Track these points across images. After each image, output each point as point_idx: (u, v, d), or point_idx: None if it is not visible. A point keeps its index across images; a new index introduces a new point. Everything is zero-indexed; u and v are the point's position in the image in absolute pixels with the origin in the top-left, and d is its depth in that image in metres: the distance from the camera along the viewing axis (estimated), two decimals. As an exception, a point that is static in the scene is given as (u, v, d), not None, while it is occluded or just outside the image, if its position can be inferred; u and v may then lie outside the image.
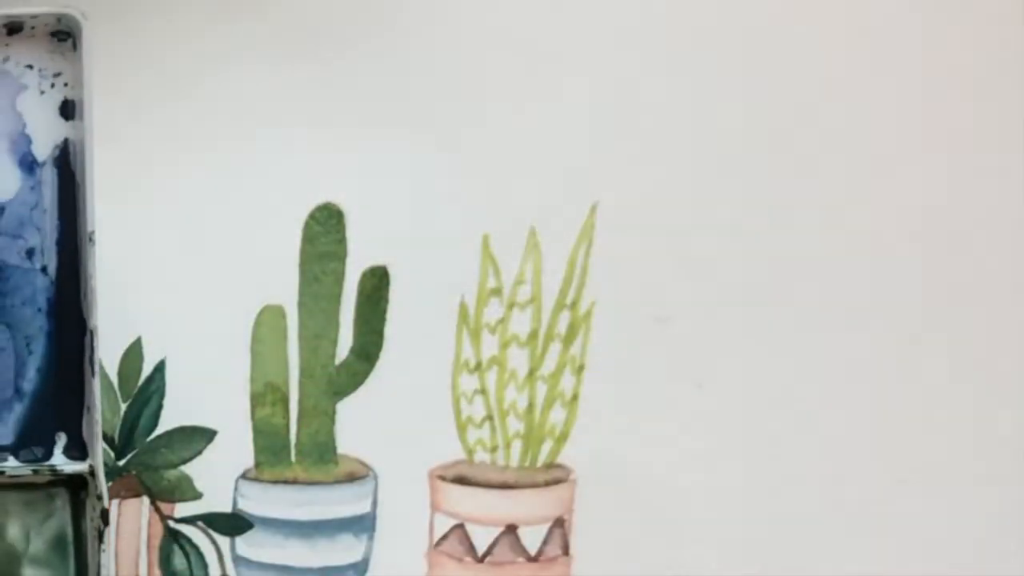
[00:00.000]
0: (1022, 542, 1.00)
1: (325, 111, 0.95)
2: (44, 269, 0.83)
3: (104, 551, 0.83)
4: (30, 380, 0.84)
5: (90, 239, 0.80)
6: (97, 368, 0.82)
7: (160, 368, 0.97)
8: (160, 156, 0.95)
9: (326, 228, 0.96)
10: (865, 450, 1.00)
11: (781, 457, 1.00)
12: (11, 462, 0.84)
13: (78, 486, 0.85)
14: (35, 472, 0.84)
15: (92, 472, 0.83)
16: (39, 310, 0.83)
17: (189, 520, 0.99)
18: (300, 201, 0.96)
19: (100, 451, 0.83)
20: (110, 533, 0.86)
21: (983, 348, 0.99)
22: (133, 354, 0.96)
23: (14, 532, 0.85)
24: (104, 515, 0.83)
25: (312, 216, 0.96)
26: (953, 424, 1.00)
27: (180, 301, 0.96)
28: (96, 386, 0.82)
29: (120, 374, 0.96)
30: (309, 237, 0.96)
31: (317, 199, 0.96)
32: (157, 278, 0.96)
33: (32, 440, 0.84)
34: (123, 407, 0.97)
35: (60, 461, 0.84)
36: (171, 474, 0.98)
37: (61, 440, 0.84)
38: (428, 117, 0.96)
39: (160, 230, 0.96)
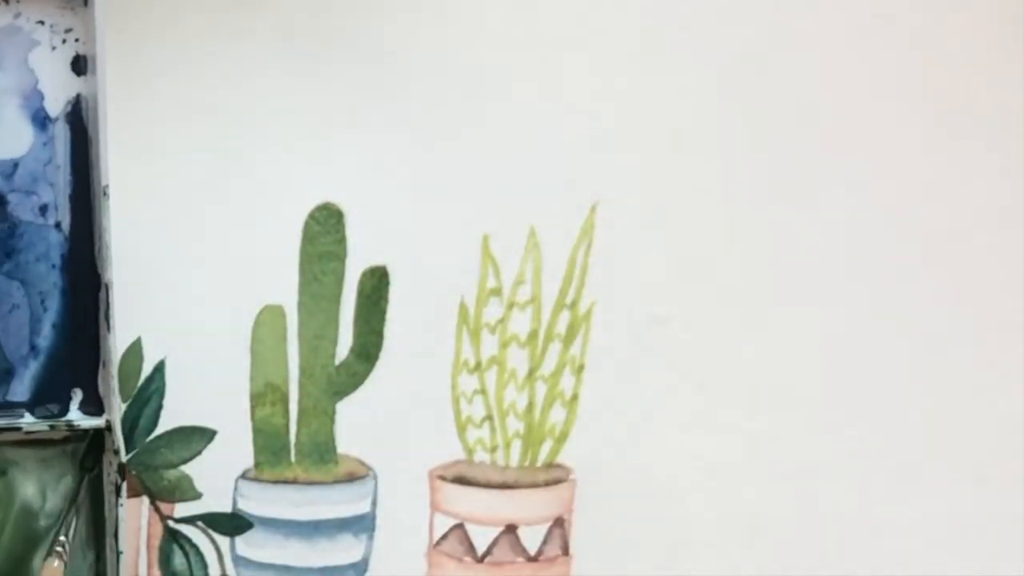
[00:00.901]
0: (1022, 542, 1.00)
1: (325, 111, 0.95)
2: (58, 225, 0.84)
3: (122, 505, 0.83)
4: (45, 336, 0.84)
5: (104, 193, 0.81)
6: (113, 323, 0.82)
7: (160, 368, 0.97)
8: (159, 156, 0.95)
9: (326, 228, 0.96)
10: (865, 450, 1.00)
11: (780, 457, 1.00)
12: (27, 418, 0.84)
13: (94, 442, 0.85)
14: (52, 428, 0.84)
15: (109, 427, 0.84)
16: (53, 266, 0.84)
17: (189, 520, 0.99)
18: (300, 201, 0.96)
19: (117, 406, 0.83)
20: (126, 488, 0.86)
21: (984, 348, 0.99)
22: (133, 354, 0.96)
23: (31, 488, 0.86)
24: (121, 469, 0.83)
25: (312, 216, 0.96)
26: (953, 424, 0.99)
27: (180, 301, 0.96)
28: (112, 341, 0.82)
29: (120, 374, 0.96)
30: (309, 237, 0.97)
31: (317, 199, 0.96)
32: (157, 278, 0.96)
33: (48, 396, 0.85)
34: (123, 407, 0.97)
35: (76, 417, 0.84)
36: (171, 474, 0.98)
37: (77, 396, 0.85)
38: (428, 117, 0.96)
39: (160, 230, 0.96)
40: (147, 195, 0.95)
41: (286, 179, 0.96)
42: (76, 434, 0.84)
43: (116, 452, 0.82)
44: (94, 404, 0.84)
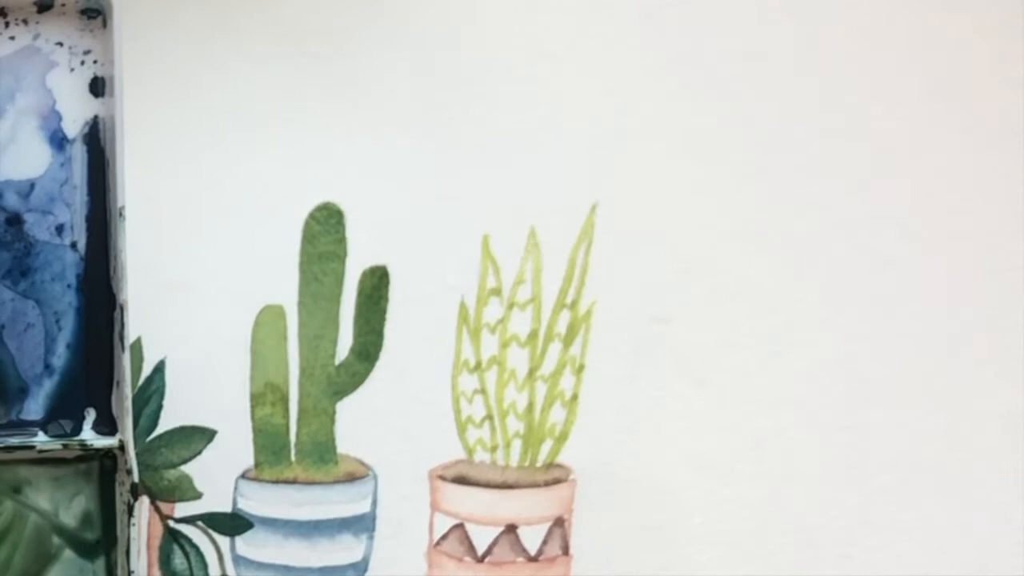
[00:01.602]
0: (1022, 542, 1.01)
1: (325, 111, 0.95)
2: (74, 245, 0.84)
3: (134, 524, 0.83)
4: (60, 356, 0.84)
5: (120, 214, 0.81)
6: (127, 343, 0.82)
7: (160, 368, 0.97)
8: (159, 156, 0.94)
9: (326, 228, 0.96)
10: (866, 449, 1.00)
11: (780, 457, 1.00)
12: (41, 437, 0.85)
13: (107, 461, 0.86)
14: (65, 447, 0.84)
15: (122, 446, 0.84)
16: (69, 286, 0.84)
17: (189, 520, 0.99)
18: (300, 201, 0.96)
19: (130, 426, 0.84)
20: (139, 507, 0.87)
21: (984, 348, 0.99)
22: (133, 354, 0.96)
23: (44, 507, 0.86)
24: (134, 489, 0.83)
25: (312, 216, 0.96)
26: (954, 424, 1.00)
27: (180, 301, 0.96)
28: (126, 361, 0.82)
29: (120, 374, 0.96)
30: (309, 237, 0.96)
31: (317, 199, 0.96)
32: (157, 278, 0.95)
33: (62, 415, 0.85)
34: (123, 407, 0.97)
35: (90, 436, 0.85)
36: (171, 474, 0.98)
37: (90, 415, 0.85)
38: (429, 117, 0.96)
39: (160, 230, 0.95)
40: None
41: (286, 179, 0.96)
42: (89, 453, 0.84)
43: (129, 472, 0.82)
44: (107, 424, 0.84)
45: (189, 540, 0.99)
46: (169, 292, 0.96)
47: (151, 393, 0.97)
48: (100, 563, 0.87)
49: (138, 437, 0.97)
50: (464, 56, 0.95)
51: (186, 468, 0.98)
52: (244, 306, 0.97)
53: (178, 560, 0.99)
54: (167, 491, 0.98)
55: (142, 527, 0.98)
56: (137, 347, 0.96)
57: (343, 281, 0.97)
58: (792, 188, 0.98)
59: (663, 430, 1.00)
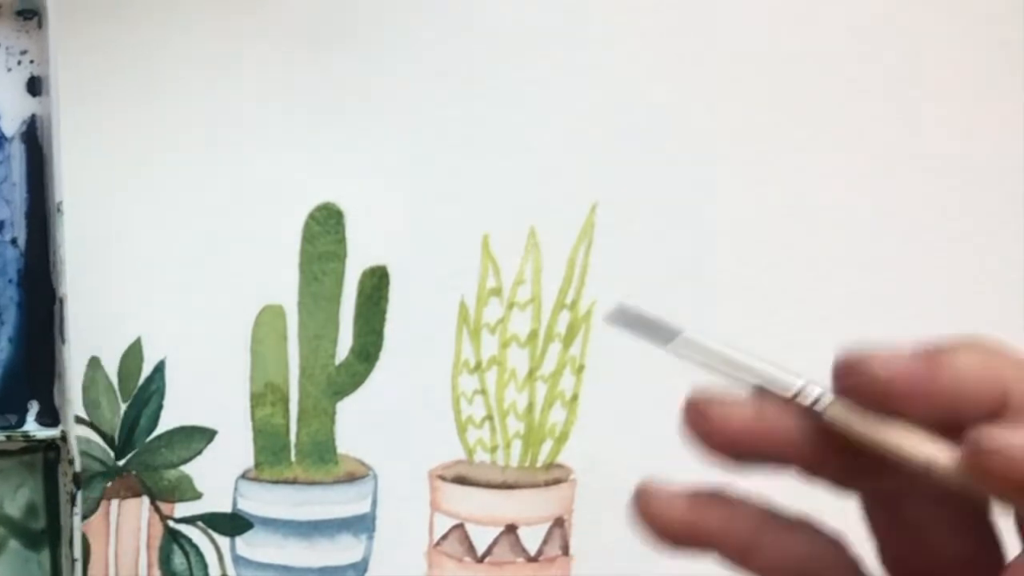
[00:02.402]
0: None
1: (325, 111, 0.95)
2: (14, 241, 0.85)
3: (76, 514, 0.84)
4: (2, 350, 0.86)
5: (58, 209, 0.82)
6: (68, 336, 0.83)
7: (160, 368, 0.97)
8: (160, 157, 0.95)
9: (326, 228, 0.96)
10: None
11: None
12: None
13: (50, 452, 0.86)
14: (9, 439, 0.85)
15: (64, 437, 0.85)
16: (9, 281, 0.85)
17: (189, 520, 0.99)
18: (300, 201, 0.96)
19: (72, 417, 0.85)
20: (80, 497, 0.87)
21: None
22: (133, 354, 0.96)
23: None
24: (76, 479, 0.84)
25: (312, 216, 0.96)
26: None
27: (180, 301, 0.96)
28: (67, 354, 0.83)
29: (120, 374, 0.96)
30: (309, 237, 0.96)
31: (317, 199, 0.96)
32: (157, 278, 0.96)
33: (5, 408, 0.86)
34: (123, 407, 0.97)
35: (33, 428, 0.86)
36: (171, 474, 0.98)
37: (33, 408, 0.87)
38: (428, 117, 0.96)
39: (160, 231, 0.95)
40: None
41: (286, 179, 0.96)
42: (32, 445, 0.85)
43: (71, 462, 0.83)
44: (50, 415, 0.86)
45: (189, 540, 0.99)
46: (169, 292, 0.96)
47: (151, 393, 0.97)
48: (45, 553, 0.88)
49: (138, 437, 0.97)
50: (464, 56, 0.96)
51: (186, 468, 0.98)
52: (244, 306, 0.97)
53: (178, 560, 0.99)
54: (167, 491, 0.98)
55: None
56: (137, 347, 0.96)
57: (343, 281, 0.97)
58: (793, 188, 0.98)
59: (663, 430, 0.99)
